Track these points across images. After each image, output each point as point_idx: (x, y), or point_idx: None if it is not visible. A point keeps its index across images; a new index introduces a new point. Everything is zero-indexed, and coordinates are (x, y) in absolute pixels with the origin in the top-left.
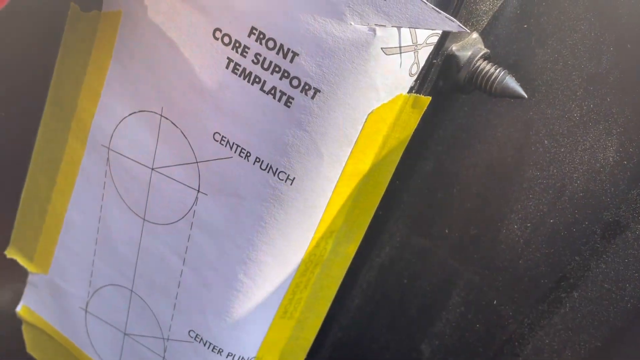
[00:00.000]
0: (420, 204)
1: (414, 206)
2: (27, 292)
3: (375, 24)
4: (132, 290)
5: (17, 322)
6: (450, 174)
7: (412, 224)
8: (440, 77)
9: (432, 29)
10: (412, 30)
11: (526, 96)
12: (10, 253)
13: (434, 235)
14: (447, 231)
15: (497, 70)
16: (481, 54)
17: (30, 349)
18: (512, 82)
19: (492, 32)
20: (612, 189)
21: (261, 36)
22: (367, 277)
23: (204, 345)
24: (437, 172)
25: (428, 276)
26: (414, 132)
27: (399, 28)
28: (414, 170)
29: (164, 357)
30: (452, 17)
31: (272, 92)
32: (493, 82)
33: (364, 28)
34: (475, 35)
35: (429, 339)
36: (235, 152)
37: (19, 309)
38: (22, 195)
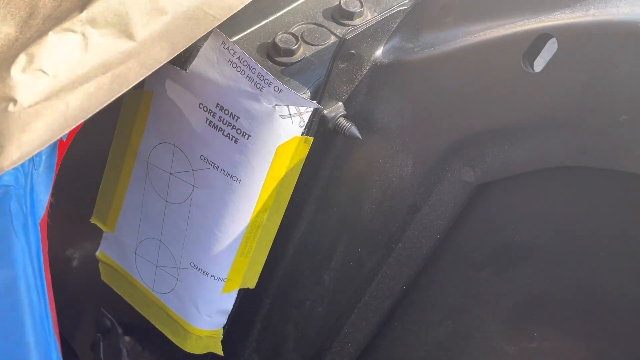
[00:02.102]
0: (320, 194)
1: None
2: (102, 243)
3: (275, 105)
4: (160, 240)
5: (97, 261)
6: (325, 177)
7: (315, 206)
8: (319, 127)
9: (303, 106)
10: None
11: (360, 137)
12: (94, 220)
13: (327, 212)
14: (336, 209)
15: (348, 123)
16: (340, 114)
17: (103, 277)
18: (354, 130)
19: (349, 101)
20: (411, 185)
21: (221, 107)
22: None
23: (198, 270)
24: (325, 176)
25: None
26: (307, 154)
27: (287, 106)
28: (310, 175)
29: (177, 278)
30: (311, 101)
31: (227, 135)
32: (345, 129)
33: (270, 106)
34: (340, 103)
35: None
36: (210, 165)
37: (97, 253)
38: (100, 187)
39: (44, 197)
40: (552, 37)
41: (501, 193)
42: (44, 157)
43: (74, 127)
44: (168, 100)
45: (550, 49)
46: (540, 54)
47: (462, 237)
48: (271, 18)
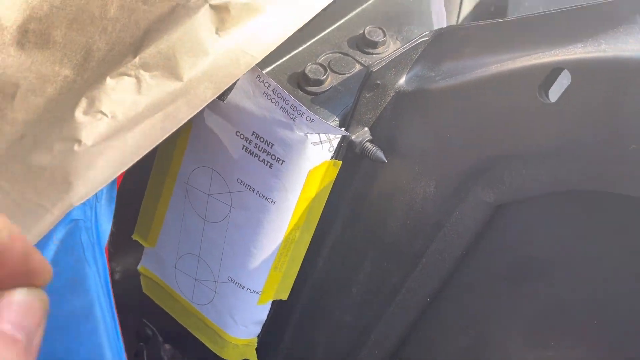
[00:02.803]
0: (348, 212)
1: (345, 214)
2: (144, 258)
3: (307, 133)
4: (199, 256)
5: (138, 274)
6: (352, 196)
7: (343, 223)
8: (347, 151)
9: (333, 134)
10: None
11: (386, 161)
12: (135, 236)
13: (354, 229)
14: (362, 226)
15: (374, 148)
16: (367, 139)
17: (144, 290)
18: (380, 154)
19: (375, 126)
20: (434, 205)
21: (257, 135)
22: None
23: (235, 284)
24: (353, 196)
25: (349, 252)
26: (335, 178)
27: (318, 134)
28: (338, 195)
29: (215, 291)
30: (341, 129)
31: (262, 160)
32: (372, 154)
33: (302, 134)
34: (366, 129)
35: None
36: (246, 188)
37: (139, 267)
38: (142, 206)
39: (106, 227)
40: (565, 69)
41: (519, 212)
42: (104, 190)
43: (132, 163)
44: (206, 129)
45: (564, 80)
46: (555, 85)
47: (483, 252)
48: (300, 49)
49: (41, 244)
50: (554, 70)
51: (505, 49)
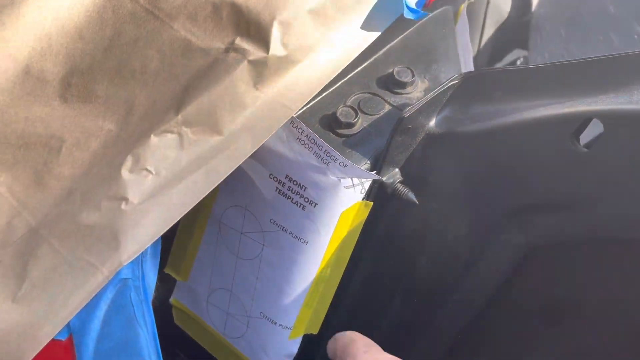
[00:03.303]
0: (377, 249)
1: (374, 251)
2: (176, 290)
3: (340, 177)
4: (231, 291)
5: (170, 306)
6: (382, 234)
7: (372, 260)
8: (378, 192)
9: (366, 178)
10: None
11: (417, 202)
12: (168, 269)
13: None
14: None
15: (405, 189)
16: (398, 180)
17: (176, 321)
18: (411, 195)
19: (405, 167)
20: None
21: (290, 178)
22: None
23: (267, 319)
24: (383, 235)
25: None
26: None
27: (351, 178)
28: (369, 234)
29: (247, 325)
30: (373, 174)
31: (295, 203)
32: (403, 194)
33: (335, 178)
34: (396, 170)
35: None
36: (279, 228)
37: (171, 299)
38: (174, 241)
39: (152, 282)
40: (598, 119)
41: (551, 255)
42: (150, 247)
43: (176, 220)
44: (240, 170)
45: (597, 129)
46: (587, 133)
47: (514, 291)
48: (330, 90)
49: (92, 304)
50: (586, 120)
51: (537, 95)
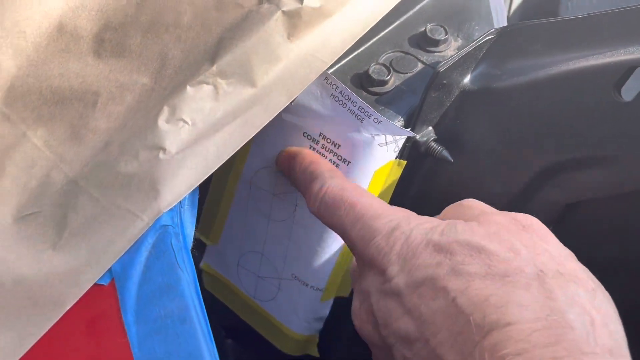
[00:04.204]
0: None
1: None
2: (206, 255)
3: (374, 134)
4: (262, 254)
5: (200, 271)
6: (421, 193)
7: None
8: (412, 150)
9: (401, 135)
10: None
11: (452, 160)
12: (197, 234)
13: None
14: None
15: (439, 147)
16: (432, 138)
17: (206, 286)
18: (445, 153)
19: (438, 125)
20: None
21: (324, 136)
22: None
23: (299, 281)
24: (416, 194)
25: None
26: (399, 178)
27: (385, 135)
28: (402, 193)
29: (279, 288)
30: (408, 130)
31: (329, 161)
32: (437, 153)
33: (369, 135)
34: (430, 128)
35: None
36: None
37: (201, 264)
38: (205, 205)
39: (190, 231)
40: None
41: (589, 210)
42: (187, 196)
43: (213, 170)
44: (272, 129)
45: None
46: (630, 83)
47: None
48: (362, 49)
49: (133, 250)
50: (629, 69)
51: (575, 47)
